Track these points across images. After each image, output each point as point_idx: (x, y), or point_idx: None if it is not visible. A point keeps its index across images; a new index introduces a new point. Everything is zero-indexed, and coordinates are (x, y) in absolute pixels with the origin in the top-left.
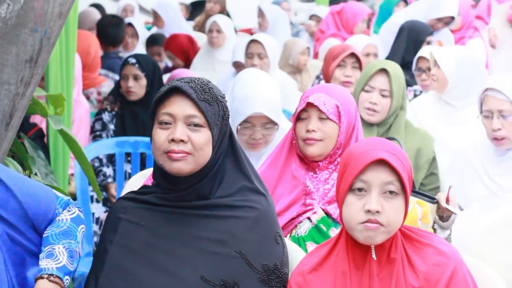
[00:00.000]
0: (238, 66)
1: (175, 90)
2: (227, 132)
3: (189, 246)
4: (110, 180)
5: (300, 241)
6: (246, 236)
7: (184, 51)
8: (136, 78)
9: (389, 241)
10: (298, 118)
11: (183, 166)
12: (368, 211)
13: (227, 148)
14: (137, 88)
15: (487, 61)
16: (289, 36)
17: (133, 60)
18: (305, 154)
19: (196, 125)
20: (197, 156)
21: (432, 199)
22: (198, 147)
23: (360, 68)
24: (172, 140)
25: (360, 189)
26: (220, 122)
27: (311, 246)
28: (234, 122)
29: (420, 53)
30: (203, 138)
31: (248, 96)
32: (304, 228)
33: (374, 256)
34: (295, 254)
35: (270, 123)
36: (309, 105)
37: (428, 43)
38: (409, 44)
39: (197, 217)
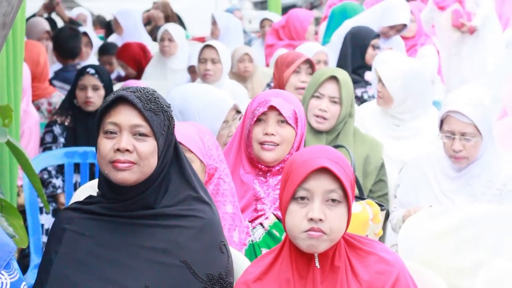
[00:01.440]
0: (193, 71)
1: (121, 100)
2: (172, 141)
3: (134, 255)
4: (59, 191)
5: (255, 248)
6: (190, 245)
7: (137, 60)
8: (95, 88)
9: (332, 249)
10: (255, 121)
11: (128, 176)
12: (311, 219)
13: (172, 158)
14: (96, 98)
15: (439, 67)
16: (241, 44)
17: (92, 71)
18: (261, 159)
19: (141, 134)
20: (142, 165)
21: (381, 206)
22: (144, 156)
23: None
24: (118, 149)
25: (302, 198)
26: (165, 132)
27: None
28: None
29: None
30: (148, 148)
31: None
32: (258, 234)
33: (317, 264)
34: (240, 263)
35: None
36: (269, 108)
37: (374, 46)
38: (354, 49)
39: (142, 226)
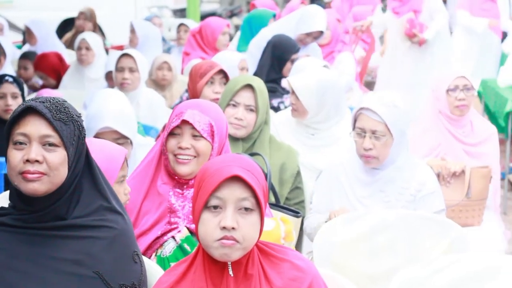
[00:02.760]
0: (110, 78)
1: (30, 110)
2: (83, 151)
3: (46, 267)
4: None
5: (165, 262)
6: (103, 256)
7: (55, 70)
8: (14, 96)
9: (245, 257)
10: (170, 133)
11: (39, 187)
12: (224, 228)
13: (83, 168)
14: (15, 106)
15: (356, 73)
16: (160, 52)
17: (10, 79)
18: (176, 172)
19: (51, 144)
20: (52, 176)
21: (297, 213)
22: (54, 167)
23: None
24: (27, 160)
25: (215, 206)
26: (76, 142)
27: None
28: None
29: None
30: (58, 158)
31: (97, 112)
32: (169, 248)
33: (231, 272)
34: (154, 272)
35: (122, 138)
36: (183, 122)
37: (293, 61)
38: (273, 61)
39: (53, 238)
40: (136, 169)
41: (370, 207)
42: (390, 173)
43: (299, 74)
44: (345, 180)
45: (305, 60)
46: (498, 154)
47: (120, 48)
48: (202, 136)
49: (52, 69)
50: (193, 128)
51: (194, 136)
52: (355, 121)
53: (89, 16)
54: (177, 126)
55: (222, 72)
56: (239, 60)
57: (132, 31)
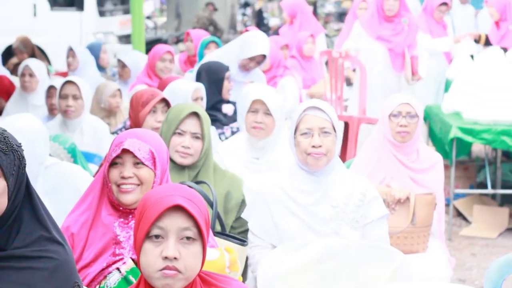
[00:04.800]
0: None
1: None
2: (23, 181)
3: None
4: None
5: None
6: (43, 287)
7: (9, 92)
8: None
9: None
10: (111, 163)
11: None
12: (166, 258)
13: (24, 198)
14: None
15: (300, 96)
16: (99, 78)
17: None
18: (120, 202)
19: None
20: None
21: (242, 242)
22: None
23: None
24: None
25: (157, 236)
26: (16, 172)
27: None
28: None
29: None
30: None
31: None
32: (113, 279)
33: None
34: None
35: None
36: (124, 151)
37: (228, 79)
38: (211, 85)
39: None
40: (80, 201)
41: (319, 214)
42: (333, 177)
43: (273, 94)
44: (286, 198)
45: (251, 86)
46: (443, 181)
47: (65, 74)
48: (144, 164)
49: (5, 92)
50: (134, 156)
51: (135, 164)
52: (297, 124)
53: (23, 48)
54: (118, 156)
55: (164, 100)
56: (193, 89)
57: (73, 55)
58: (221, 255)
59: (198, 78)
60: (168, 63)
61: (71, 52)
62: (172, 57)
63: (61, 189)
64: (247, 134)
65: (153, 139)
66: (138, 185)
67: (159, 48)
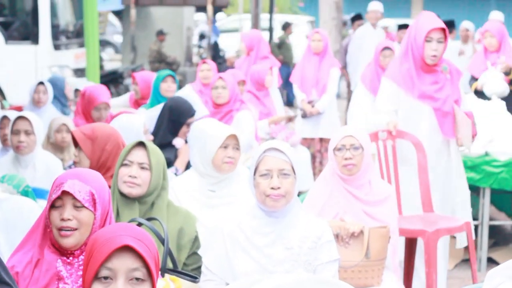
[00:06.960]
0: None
1: None
2: None
3: None
4: None
5: None
6: None
7: None
8: None
9: None
10: (52, 205)
11: None
12: None
13: None
14: None
15: (256, 132)
16: (56, 113)
17: None
18: (60, 244)
19: None
20: None
21: (194, 278)
22: None
23: None
24: None
25: (106, 277)
26: None
27: None
28: None
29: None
30: None
31: None
32: None
33: None
34: None
35: None
36: (64, 192)
37: (188, 125)
38: (169, 124)
39: None
40: (23, 240)
41: (274, 255)
42: (290, 218)
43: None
44: (243, 237)
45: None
46: (396, 214)
47: (19, 108)
48: (84, 206)
49: None
50: (74, 198)
51: (75, 207)
52: (257, 165)
53: None
54: (58, 198)
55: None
56: (143, 123)
57: (44, 91)
58: (166, 285)
59: (162, 112)
60: (103, 111)
61: (41, 87)
62: (108, 105)
63: (17, 224)
64: (210, 169)
65: (94, 180)
66: (77, 228)
67: (94, 96)
